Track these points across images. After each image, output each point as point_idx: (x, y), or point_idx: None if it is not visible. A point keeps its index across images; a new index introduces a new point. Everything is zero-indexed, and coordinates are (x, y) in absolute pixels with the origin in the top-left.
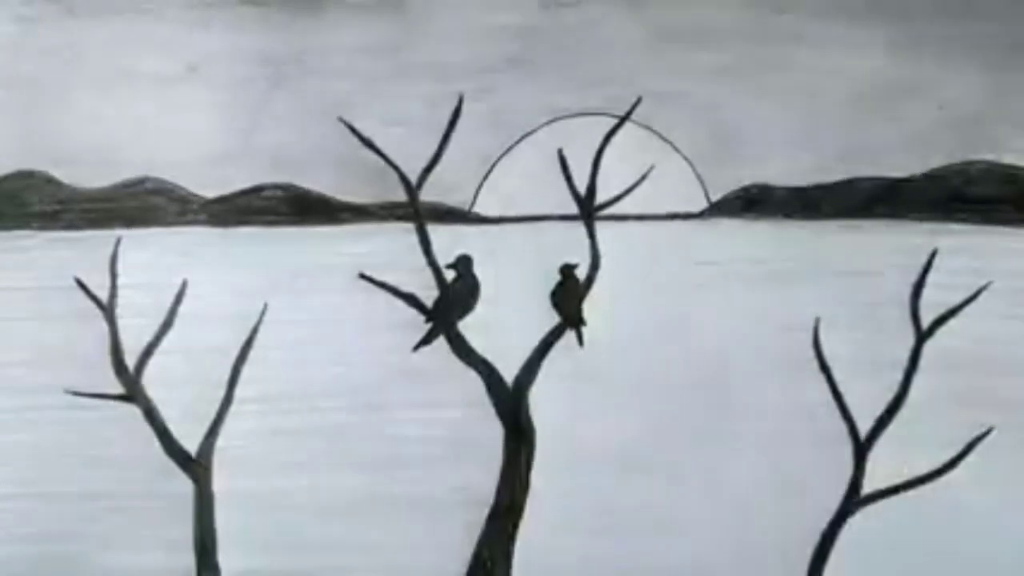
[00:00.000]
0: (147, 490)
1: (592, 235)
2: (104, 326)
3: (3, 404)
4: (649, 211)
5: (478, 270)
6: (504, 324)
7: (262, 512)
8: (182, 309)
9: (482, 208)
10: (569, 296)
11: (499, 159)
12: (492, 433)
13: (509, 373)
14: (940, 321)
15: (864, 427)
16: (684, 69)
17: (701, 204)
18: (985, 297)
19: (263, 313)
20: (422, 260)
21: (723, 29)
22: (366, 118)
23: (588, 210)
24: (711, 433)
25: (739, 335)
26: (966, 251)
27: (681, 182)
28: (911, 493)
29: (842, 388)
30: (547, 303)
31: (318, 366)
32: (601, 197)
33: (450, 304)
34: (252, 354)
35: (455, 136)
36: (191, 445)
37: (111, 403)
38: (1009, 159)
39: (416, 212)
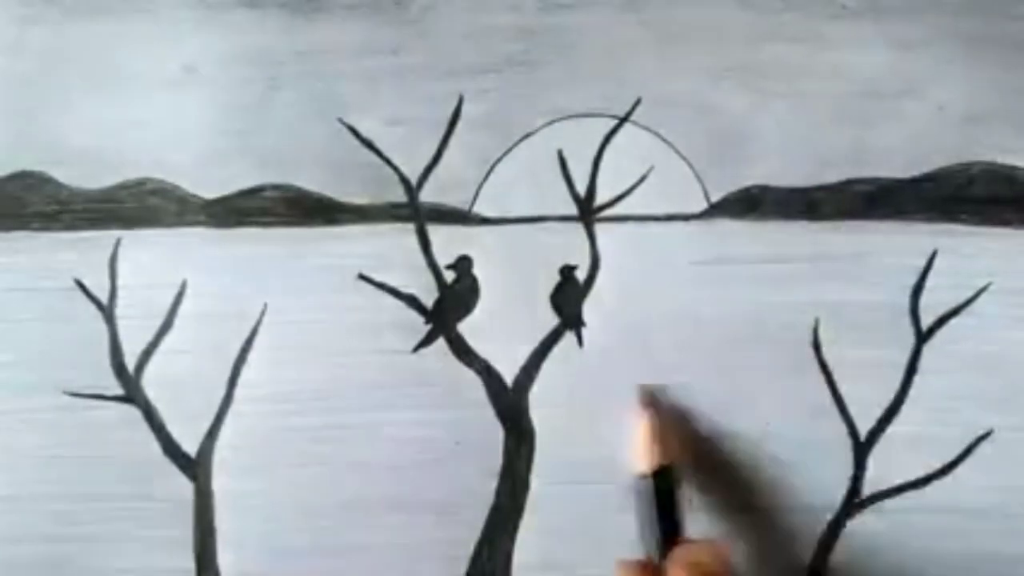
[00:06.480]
0: (147, 490)
1: (592, 236)
2: (104, 327)
3: (3, 404)
4: (649, 211)
5: (478, 271)
6: (504, 325)
7: (262, 512)
8: (182, 309)
9: (482, 208)
10: (569, 297)
11: (499, 159)
12: (492, 434)
13: (509, 374)
14: (940, 322)
15: (864, 427)
16: (684, 69)
17: (701, 204)
18: (985, 297)
19: (263, 313)
20: (422, 261)
21: (723, 29)
22: (366, 118)
23: (588, 211)
24: (710, 433)
25: (739, 335)
26: (966, 251)
27: (681, 182)
28: (911, 493)
29: (842, 388)
30: (547, 304)
31: (318, 366)
32: (601, 198)
33: (450, 305)
34: (252, 354)
35: (455, 136)
36: (191, 445)
37: (111, 403)
38: (1009, 159)
39: (416, 212)
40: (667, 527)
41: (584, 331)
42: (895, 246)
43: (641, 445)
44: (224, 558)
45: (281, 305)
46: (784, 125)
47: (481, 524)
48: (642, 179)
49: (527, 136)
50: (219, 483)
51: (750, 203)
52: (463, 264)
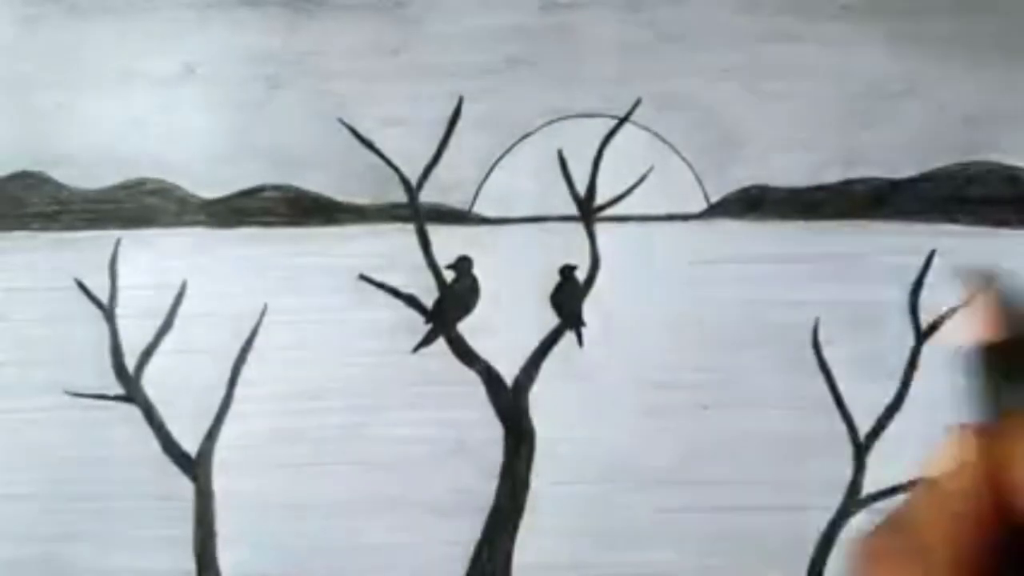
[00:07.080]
0: (147, 490)
1: (592, 236)
2: (104, 326)
3: (3, 404)
4: (649, 212)
5: (478, 270)
6: (504, 325)
7: (262, 512)
8: (182, 310)
9: (482, 208)
10: (569, 297)
11: (499, 159)
12: (492, 433)
13: (509, 374)
14: (940, 321)
15: (864, 427)
16: (684, 69)
17: (701, 205)
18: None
19: (263, 313)
20: (422, 261)
21: (723, 29)
22: (366, 118)
23: (588, 211)
24: (711, 433)
25: (739, 335)
26: (966, 251)
27: (681, 183)
28: None
29: (842, 388)
30: (547, 303)
31: (318, 366)
32: (601, 198)
33: (450, 305)
34: (252, 354)
35: (455, 136)
36: (191, 445)
37: (111, 403)
38: (1009, 159)
39: (416, 212)
40: (1014, 395)
41: (584, 331)
42: (895, 246)
43: (983, 318)
44: (224, 557)
45: (281, 305)
46: (784, 125)
47: (481, 524)
48: (642, 179)
49: (527, 136)
50: (219, 483)
51: (750, 203)
52: (463, 264)
